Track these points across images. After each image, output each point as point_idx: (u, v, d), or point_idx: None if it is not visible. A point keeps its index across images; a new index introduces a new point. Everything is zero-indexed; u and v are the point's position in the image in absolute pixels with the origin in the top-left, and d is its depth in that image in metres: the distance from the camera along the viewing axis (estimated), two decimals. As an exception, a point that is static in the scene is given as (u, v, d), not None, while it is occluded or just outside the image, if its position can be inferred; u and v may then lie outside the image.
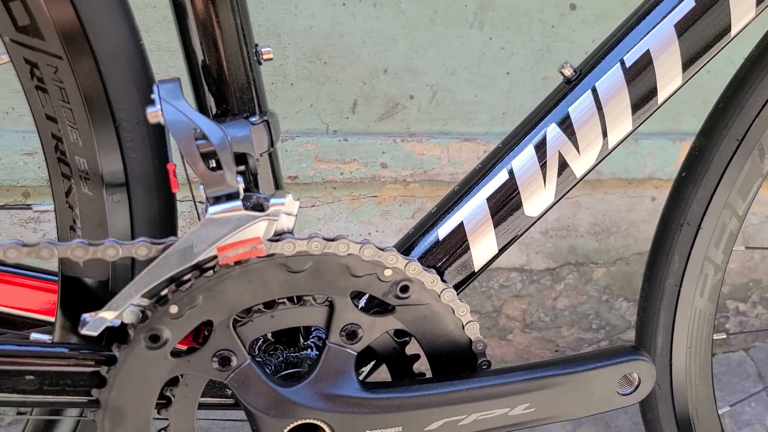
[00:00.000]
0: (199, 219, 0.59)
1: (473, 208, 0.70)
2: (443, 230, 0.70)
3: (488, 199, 0.70)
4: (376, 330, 0.68)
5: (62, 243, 0.58)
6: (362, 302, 0.70)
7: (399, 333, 0.71)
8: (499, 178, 0.69)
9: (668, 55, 0.68)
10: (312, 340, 0.72)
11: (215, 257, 0.60)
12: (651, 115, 0.71)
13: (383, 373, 0.74)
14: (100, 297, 0.67)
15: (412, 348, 0.72)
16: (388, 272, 0.65)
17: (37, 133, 0.62)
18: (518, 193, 0.69)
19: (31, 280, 0.73)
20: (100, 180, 0.62)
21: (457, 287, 0.71)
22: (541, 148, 0.69)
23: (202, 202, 0.60)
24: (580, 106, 0.69)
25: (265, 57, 0.65)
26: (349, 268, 0.64)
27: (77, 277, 0.67)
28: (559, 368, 0.70)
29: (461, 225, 0.70)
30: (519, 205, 0.70)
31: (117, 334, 0.64)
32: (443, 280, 0.68)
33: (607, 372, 0.71)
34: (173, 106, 0.56)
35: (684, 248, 0.82)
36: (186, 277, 0.61)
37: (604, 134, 0.69)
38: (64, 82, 0.59)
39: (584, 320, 1.59)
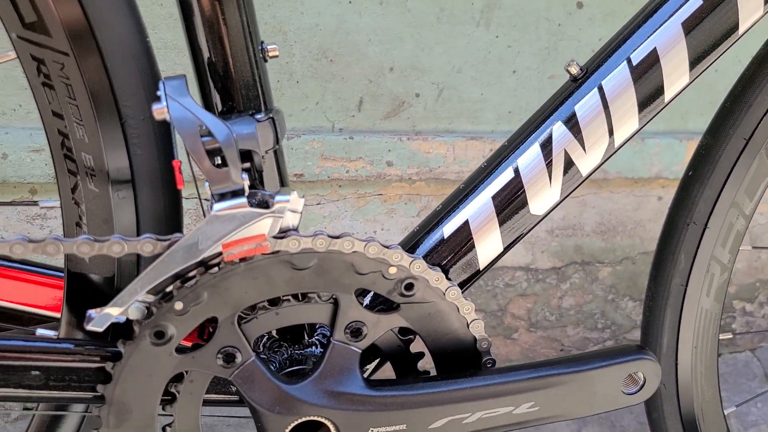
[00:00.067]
0: (205, 216, 0.59)
1: (478, 207, 0.70)
2: (448, 228, 0.70)
3: (493, 198, 0.69)
4: (380, 327, 0.68)
5: (68, 239, 0.58)
6: (367, 300, 0.70)
7: (403, 331, 0.71)
8: (504, 177, 0.69)
9: (675, 53, 0.68)
10: (316, 337, 0.72)
11: (220, 254, 0.60)
12: (658, 113, 0.70)
13: (388, 372, 0.74)
14: (105, 293, 0.67)
15: (417, 346, 0.72)
16: (392, 270, 0.65)
17: (44, 130, 0.62)
18: (524, 191, 0.69)
19: (38, 276, 0.74)
20: (105, 176, 0.63)
21: (462, 285, 0.71)
22: (546, 146, 0.69)
23: (208, 200, 0.61)
24: (586, 105, 0.68)
25: (270, 54, 0.65)
26: (353, 265, 0.64)
27: (83, 273, 0.67)
28: (564, 367, 0.70)
29: (466, 223, 0.70)
30: (524, 204, 0.70)
31: (122, 331, 0.65)
32: (448, 278, 0.68)
33: (612, 371, 0.71)
34: (179, 103, 0.57)
35: (690, 247, 0.82)
36: (191, 274, 0.61)
37: (610, 133, 0.69)
38: (70, 78, 0.59)
39: (590, 319, 1.59)
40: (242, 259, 0.61)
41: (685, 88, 0.70)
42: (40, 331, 0.71)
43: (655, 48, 0.68)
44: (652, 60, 0.68)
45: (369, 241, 0.63)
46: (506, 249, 0.72)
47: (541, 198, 0.70)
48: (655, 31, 0.68)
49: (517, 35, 1.32)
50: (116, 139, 0.62)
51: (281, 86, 1.24)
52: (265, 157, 0.64)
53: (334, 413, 0.67)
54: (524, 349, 1.58)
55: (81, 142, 0.62)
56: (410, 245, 0.72)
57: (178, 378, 0.66)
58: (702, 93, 1.44)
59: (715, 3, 0.67)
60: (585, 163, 0.70)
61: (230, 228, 0.59)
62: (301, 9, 1.20)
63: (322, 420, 0.67)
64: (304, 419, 0.67)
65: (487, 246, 0.71)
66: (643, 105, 0.69)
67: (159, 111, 0.57)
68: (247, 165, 0.61)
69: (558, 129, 0.69)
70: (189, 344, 0.65)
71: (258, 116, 0.63)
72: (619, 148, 0.71)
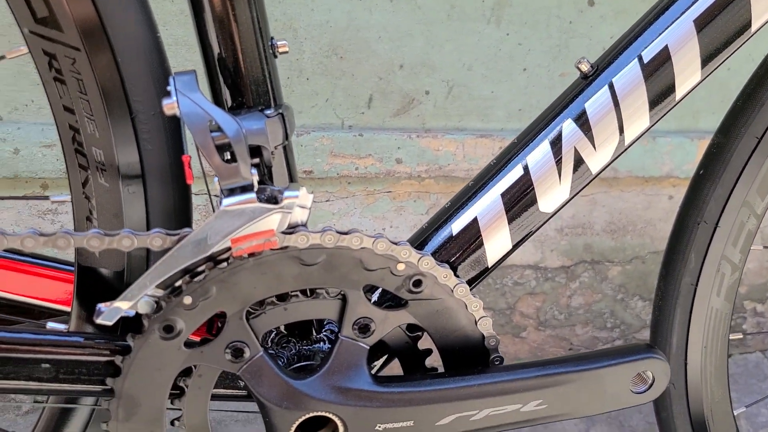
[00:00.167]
0: (214, 211, 0.59)
1: (487, 204, 0.70)
2: (457, 225, 0.70)
3: (503, 195, 0.69)
4: (388, 324, 0.68)
5: (79, 233, 0.59)
6: (375, 296, 0.70)
7: (411, 327, 0.71)
8: (513, 174, 0.69)
9: (687, 50, 0.67)
10: (324, 333, 0.73)
11: (229, 249, 0.60)
12: (669, 111, 0.70)
13: (395, 368, 0.74)
14: (115, 287, 0.67)
15: (425, 343, 0.72)
16: (401, 266, 0.65)
17: (55, 125, 0.63)
18: (533, 188, 0.69)
19: (48, 270, 0.74)
20: (116, 171, 0.63)
21: (471, 282, 0.71)
22: (556, 143, 0.69)
23: (217, 195, 0.61)
24: (596, 102, 0.68)
25: (280, 50, 0.65)
26: (362, 261, 0.64)
27: (93, 267, 0.67)
28: (573, 365, 0.70)
29: (475, 220, 0.70)
30: (534, 201, 0.70)
31: (132, 324, 0.65)
32: (456, 275, 0.68)
33: (621, 369, 0.70)
34: (189, 98, 0.57)
35: (701, 247, 0.81)
36: (200, 269, 0.62)
37: (621, 130, 0.69)
38: (81, 73, 0.60)
39: (599, 319, 1.58)
40: (251, 255, 0.61)
41: (696, 86, 0.70)
42: (51, 325, 0.72)
43: (666, 45, 0.67)
44: (664, 57, 0.67)
45: (377, 237, 0.63)
46: (515, 247, 0.71)
47: (551, 196, 0.70)
48: (666, 29, 0.67)
49: (527, 33, 1.32)
50: (127, 134, 0.62)
51: (291, 83, 1.24)
52: (275, 153, 0.64)
53: (341, 409, 0.67)
54: (533, 348, 1.57)
55: (92, 137, 0.62)
56: (419, 242, 0.71)
57: (187, 372, 0.66)
58: (714, 92, 1.43)
59: (728, 0, 0.66)
60: (595, 161, 0.69)
61: (239, 223, 0.59)
62: (311, 6, 1.20)
63: (330, 416, 0.67)
64: (311, 415, 0.67)
65: (496, 243, 0.70)
66: (654, 103, 0.69)
67: (169, 106, 0.57)
68: (257, 161, 0.61)
69: (568, 126, 0.68)
70: (197, 339, 0.65)
71: (267, 112, 0.63)
72: (629, 146, 0.70)
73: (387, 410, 0.67)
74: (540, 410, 0.70)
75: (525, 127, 0.73)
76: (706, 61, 0.68)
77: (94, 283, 0.68)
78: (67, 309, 0.72)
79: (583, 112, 0.68)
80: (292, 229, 0.61)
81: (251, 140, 0.60)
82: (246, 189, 0.59)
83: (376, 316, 0.67)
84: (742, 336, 0.95)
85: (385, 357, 0.74)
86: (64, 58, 0.59)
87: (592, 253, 1.51)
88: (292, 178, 0.68)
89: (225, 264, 0.61)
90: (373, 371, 0.71)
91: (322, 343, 0.72)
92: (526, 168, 0.69)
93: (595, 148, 0.69)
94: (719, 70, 0.70)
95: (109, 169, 0.63)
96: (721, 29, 0.67)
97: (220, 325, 0.64)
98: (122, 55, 0.60)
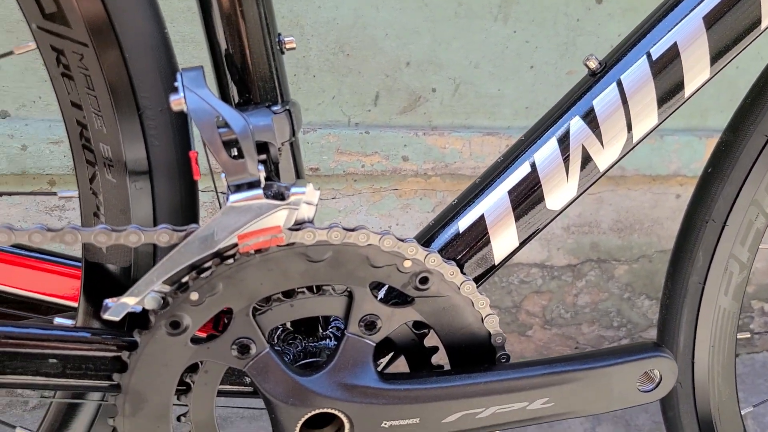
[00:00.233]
0: (221, 208, 0.59)
1: (494, 201, 0.69)
2: (464, 222, 0.70)
3: (510, 192, 0.69)
4: (394, 321, 0.67)
5: (86, 228, 0.59)
6: (381, 293, 0.70)
7: (418, 325, 0.71)
8: (521, 171, 0.69)
9: (696, 48, 0.67)
10: (331, 330, 0.73)
11: (236, 245, 0.60)
12: (677, 109, 0.70)
13: (401, 366, 0.73)
14: (122, 283, 0.67)
15: (431, 340, 0.71)
16: (407, 263, 0.65)
17: (63, 120, 0.63)
18: (540, 186, 0.69)
19: (56, 265, 0.74)
20: (123, 167, 0.63)
21: (477, 280, 0.71)
22: (564, 141, 0.68)
23: (224, 192, 0.61)
24: (604, 99, 0.68)
25: (287, 46, 0.65)
26: (368, 258, 0.64)
27: (100, 263, 0.67)
28: (580, 363, 0.69)
29: (482, 218, 0.70)
30: (541, 199, 0.69)
31: (138, 320, 0.65)
32: (463, 273, 0.68)
33: (628, 368, 0.70)
34: (196, 94, 0.57)
35: (709, 245, 0.81)
36: (207, 265, 0.62)
37: (629, 128, 0.68)
38: (89, 69, 0.60)
39: (605, 317, 1.58)
40: (257, 251, 0.61)
41: (705, 84, 0.70)
42: (58, 320, 0.72)
43: (675, 43, 0.67)
44: (673, 55, 0.67)
45: (384, 234, 0.63)
46: (522, 244, 0.71)
47: (558, 193, 0.70)
48: (675, 26, 0.67)
49: (535, 30, 1.31)
50: (134, 130, 0.62)
51: (298, 80, 1.24)
52: (281, 149, 0.64)
53: (347, 406, 0.67)
54: (538, 347, 1.57)
55: (99, 133, 0.62)
56: (425, 239, 0.71)
57: (193, 368, 0.66)
58: (722, 90, 1.42)
59: (738, -3, 0.66)
60: (603, 159, 0.69)
61: (246, 219, 0.59)
62: (318, 3, 1.20)
63: (336, 412, 0.67)
64: (317, 411, 0.67)
65: (503, 241, 0.70)
66: (662, 100, 0.68)
67: (176, 102, 0.57)
68: (264, 157, 0.61)
69: (576, 124, 0.68)
70: (204, 335, 0.65)
71: (274, 108, 0.63)
72: (637, 144, 0.70)
73: (393, 407, 0.67)
74: (546, 408, 0.70)
75: (532, 125, 0.72)
76: (715, 58, 0.68)
77: (101, 279, 0.68)
78: (74, 305, 0.72)
79: (591, 110, 0.68)
80: (298, 225, 0.61)
81: (258, 136, 0.60)
82: (253, 185, 0.59)
83: (383, 313, 0.67)
84: (749, 335, 0.95)
85: (391, 354, 0.74)
86: (72, 54, 0.59)
87: (598, 251, 1.51)
88: (299, 175, 0.68)
89: (231, 260, 0.61)
90: (379, 368, 0.71)
91: (328, 340, 0.72)
92: (533, 165, 0.69)
93: (602, 145, 0.68)
94: (727, 68, 0.69)
95: (116, 164, 0.63)
96: (731, 26, 0.67)
97: (226, 321, 0.65)
98: (130, 51, 0.60)
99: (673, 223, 1.52)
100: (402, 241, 0.64)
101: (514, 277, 1.48)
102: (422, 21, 1.26)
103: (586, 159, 0.69)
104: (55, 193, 0.77)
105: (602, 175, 0.70)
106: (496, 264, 0.71)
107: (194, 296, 0.62)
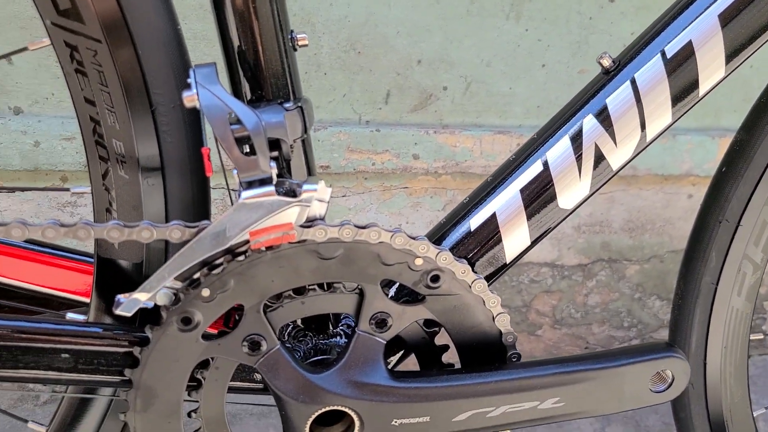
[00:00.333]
0: (232, 205, 0.60)
1: (506, 199, 0.69)
2: (475, 221, 0.70)
3: (522, 191, 0.69)
4: (405, 319, 0.67)
5: (98, 224, 0.59)
6: (392, 291, 0.70)
7: (428, 323, 0.71)
8: (533, 170, 0.69)
9: (711, 46, 0.66)
10: (341, 327, 0.73)
11: (247, 242, 0.60)
12: (691, 108, 0.69)
13: (411, 364, 0.73)
14: (134, 279, 0.68)
15: (442, 338, 0.71)
16: (419, 261, 0.64)
17: (76, 116, 0.63)
18: (552, 184, 0.68)
19: (68, 261, 0.75)
20: (136, 163, 0.63)
21: (488, 278, 0.71)
22: (577, 139, 0.68)
23: (235, 189, 0.61)
24: (618, 98, 0.67)
25: (300, 43, 0.65)
26: (380, 256, 0.64)
27: (112, 259, 0.68)
28: (592, 363, 0.69)
29: (494, 216, 0.69)
30: (553, 197, 0.69)
31: (150, 316, 0.65)
32: (474, 271, 0.67)
33: (640, 368, 0.70)
34: (209, 91, 0.57)
35: (722, 245, 0.80)
36: (218, 261, 0.62)
37: (643, 127, 0.68)
38: (102, 65, 0.60)
39: (616, 318, 1.57)
40: (269, 248, 0.61)
41: (720, 82, 0.69)
42: (70, 315, 0.72)
43: (690, 41, 0.66)
44: (687, 53, 0.66)
45: (395, 231, 0.63)
46: (533, 243, 0.71)
47: (570, 192, 0.69)
48: (690, 24, 0.66)
49: (547, 28, 1.31)
50: (146, 126, 0.62)
51: (309, 78, 1.24)
52: (293, 146, 0.64)
53: (357, 403, 0.67)
54: (548, 346, 1.56)
55: (112, 129, 0.62)
56: (437, 237, 0.71)
57: (204, 364, 0.66)
58: (736, 90, 1.41)
59: (754, -5, 0.65)
60: (616, 158, 0.69)
61: (258, 216, 0.59)
62: (329, 0, 1.20)
63: (346, 410, 0.67)
64: (327, 409, 0.67)
65: (515, 239, 0.70)
66: (676, 99, 0.68)
67: (189, 98, 0.57)
68: (275, 154, 0.61)
69: (589, 122, 0.68)
70: (215, 331, 0.65)
71: (287, 105, 0.63)
72: (650, 143, 0.70)
73: (403, 405, 0.67)
74: (557, 408, 0.69)
75: (543, 124, 0.72)
76: (730, 56, 0.67)
77: (113, 275, 0.68)
78: (87, 300, 0.72)
79: (605, 108, 0.67)
80: (310, 222, 0.61)
81: (270, 133, 0.60)
82: (265, 182, 0.59)
83: (394, 311, 0.67)
84: (762, 336, 0.94)
85: (401, 352, 0.74)
86: (86, 50, 0.60)
87: (609, 251, 1.50)
88: (310, 172, 0.68)
89: (243, 257, 0.61)
90: (389, 366, 0.71)
91: (338, 338, 0.72)
92: (545, 164, 0.68)
93: (616, 144, 0.68)
94: (741, 68, 0.69)
95: (128, 161, 0.63)
96: (747, 24, 0.66)
97: (237, 317, 0.65)
98: (143, 48, 0.60)
99: (685, 223, 1.51)
100: (413, 238, 0.63)
101: (524, 277, 1.48)
102: (434, 19, 1.25)
103: (599, 158, 0.68)
104: (68, 189, 0.78)
105: (615, 174, 0.70)
106: (507, 263, 0.71)
107: (206, 292, 0.62)
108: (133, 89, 0.61)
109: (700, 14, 0.66)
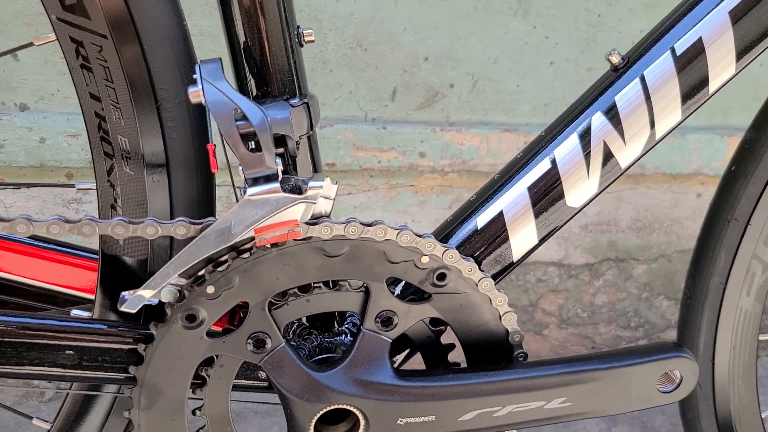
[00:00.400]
0: (237, 202, 0.59)
1: (514, 197, 0.68)
2: (482, 219, 0.69)
3: (529, 188, 0.68)
4: (411, 317, 0.67)
5: (103, 220, 0.59)
6: (398, 289, 0.69)
7: (434, 321, 0.70)
8: (541, 167, 0.68)
9: (722, 43, 0.66)
10: (346, 325, 0.72)
11: (252, 239, 0.60)
12: (701, 105, 0.68)
13: (416, 363, 0.73)
14: (138, 276, 0.67)
15: (448, 337, 0.71)
16: (425, 259, 0.64)
17: (81, 112, 0.63)
18: (560, 182, 0.68)
19: (73, 258, 0.74)
20: (141, 159, 0.63)
21: (495, 277, 0.70)
22: (585, 137, 0.67)
23: (240, 187, 0.60)
24: (627, 95, 0.67)
25: (306, 39, 0.64)
26: (385, 253, 0.63)
27: (117, 255, 0.67)
28: (599, 362, 0.68)
29: (501, 214, 0.69)
30: (561, 196, 0.68)
31: (154, 313, 0.65)
32: (481, 270, 0.67)
33: (648, 368, 0.69)
34: (214, 87, 0.57)
35: (731, 245, 0.80)
36: (223, 258, 0.62)
37: (652, 124, 0.67)
38: (108, 61, 0.60)
39: (623, 317, 1.56)
40: (274, 245, 0.61)
41: (730, 80, 0.68)
42: (75, 312, 0.72)
43: (700, 38, 0.66)
44: (698, 50, 0.66)
45: (402, 229, 0.62)
46: (541, 241, 0.70)
47: (578, 190, 0.69)
48: (700, 20, 0.66)
49: (555, 26, 1.30)
50: (152, 123, 0.62)
51: (315, 74, 1.24)
52: (299, 143, 0.64)
53: (363, 402, 0.67)
54: (554, 346, 1.56)
55: (117, 125, 0.62)
56: (443, 235, 0.71)
57: (209, 362, 0.66)
58: (745, 88, 1.40)
59: (766, -9, 0.64)
60: (624, 155, 0.68)
61: (263, 213, 0.59)
62: (336, -3, 1.20)
63: (351, 408, 0.67)
64: (332, 407, 0.67)
65: (522, 238, 0.69)
66: (686, 96, 0.67)
67: (194, 94, 0.57)
68: (281, 150, 0.61)
69: (597, 119, 0.67)
70: (220, 329, 0.65)
71: (292, 101, 0.62)
72: (659, 141, 0.69)
73: (409, 404, 0.67)
74: (564, 408, 0.69)
75: (550, 121, 0.71)
76: (741, 54, 0.67)
77: (118, 272, 0.68)
78: (91, 297, 0.72)
79: (614, 105, 0.67)
80: (315, 219, 0.61)
81: (276, 129, 0.59)
82: (270, 178, 0.59)
83: (399, 309, 0.66)
84: (772, 337, 0.93)
85: (407, 351, 0.73)
86: (91, 46, 0.59)
87: (616, 250, 1.49)
88: (316, 169, 0.67)
89: (248, 254, 0.61)
90: (395, 365, 0.70)
91: (344, 336, 0.71)
92: (553, 161, 0.68)
93: (624, 142, 0.67)
94: (751, 66, 0.68)
95: (133, 157, 0.63)
96: (758, 21, 0.66)
97: (242, 315, 0.64)
98: (149, 43, 0.60)
99: (693, 223, 1.50)
100: (420, 236, 0.63)
101: (530, 276, 1.47)
102: (441, 16, 1.25)
103: (608, 155, 0.68)
104: (73, 185, 0.78)
105: (623, 172, 0.69)
106: (514, 261, 0.70)
107: (210, 290, 0.61)
108: (138, 85, 0.61)
109: (711, 11, 0.66)
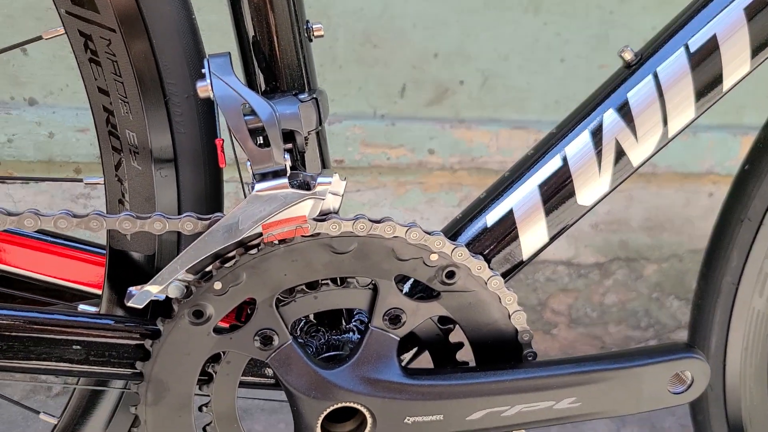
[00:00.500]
0: (245, 197, 0.59)
1: (524, 195, 0.68)
2: (492, 216, 0.68)
3: (540, 186, 0.67)
4: (419, 316, 0.66)
5: (111, 215, 0.59)
6: (407, 287, 0.69)
7: (443, 320, 0.70)
8: (552, 165, 0.67)
9: (736, 40, 0.65)
10: (354, 323, 0.72)
11: (260, 235, 0.60)
12: (714, 103, 0.68)
13: (424, 362, 0.72)
14: (146, 271, 0.67)
15: (456, 336, 0.70)
16: (434, 257, 0.63)
17: (90, 107, 0.63)
18: (571, 180, 0.67)
19: (81, 252, 0.74)
20: (149, 154, 0.63)
21: (505, 275, 0.70)
22: (597, 134, 0.67)
23: (248, 183, 0.60)
24: (640, 92, 0.66)
25: (316, 34, 0.64)
26: (394, 251, 0.63)
27: (124, 250, 0.67)
28: (609, 362, 0.68)
29: (511, 212, 0.68)
30: (572, 194, 0.68)
31: (162, 309, 0.65)
32: (490, 268, 0.66)
33: (659, 369, 0.68)
34: (223, 81, 0.56)
35: (744, 245, 0.79)
36: (230, 254, 0.61)
37: (665, 122, 0.67)
38: (116, 55, 0.60)
39: (632, 317, 1.55)
40: (282, 241, 0.61)
41: (744, 77, 0.68)
42: (82, 307, 0.72)
43: (714, 34, 0.65)
44: (712, 47, 0.65)
45: (410, 226, 0.62)
46: (551, 240, 0.70)
47: (590, 188, 0.68)
48: (715, 17, 0.65)
49: (566, 22, 1.29)
50: (160, 117, 0.62)
51: (324, 71, 1.23)
52: (308, 139, 0.64)
53: (370, 400, 0.66)
54: (563, 346, 1.55)
55: (125, 120, 0.62)
56: (452, 233, 0.70)
57: (216, 359, 0.66)
58: (760, 87, 1.38)
59: (781, -12, 0.64)
60: (636, 153, 0.67)
61: (271, 208, 0.58)
62: (346, -7, 1.19)
63: (358, 407, 0.66)
64: (339, 405, 0.66)
65: (532, 236, 0.69)
66: (700, 94, 0.66)
67: (203, 89, 0.57)
68: (290, 146, 0.61)
69: (609, 117, 0.66)
70: (227, 325, 0.65)
71: (301, 96, 0.62)
72: (672, 139, 0.68)
73: (417, 403, 0.66)
74: (574, 408, 0.68)
75: (561, 119, 0.71)
76: (756, 51, 0.66)
77: (125, 267, 0.68)
78: (98, 292, 0.72)
79: (626, 102, 0.66)
80: (323, 216, 0.60)
81: (285, 125, 0.59)
82: (278, 174, 0.58)
83: (408, 307, 0.66)
84: (783, 338, 0.92)
85: (415, 349, 0.73)
86: (100, 39, 0.59)
87: (627, 250, 1.48)
88: (324, 165, 0.67)
89: (255, 250, 0.61)
90: (403, 363, 0.70)
91: (351, 333, 0.71)
92: (564, 159, 0.67)
93: (637, 139, 0.67)
94: (766, 64, 0.67)
95: (142, 152, 0.63)
96: (774, 18, 0.65)
97: (249, 312, 0.64)
98: (157, 38, 0.60)
99: (705, 222, 1.48)
100: (429, 234, 0.62)
101: (540, 275, 1.46)
102: (451, 12, 1.24)
103: (620, 153, 0.67)
104: (81, 180, 0.78)
105: (635, 170, 0.69)
106: (524, 259, 0.70)
107: (218, 285, 0.61)
108: (146, 79, 0.60)
109: (725, 7, 0.65)
